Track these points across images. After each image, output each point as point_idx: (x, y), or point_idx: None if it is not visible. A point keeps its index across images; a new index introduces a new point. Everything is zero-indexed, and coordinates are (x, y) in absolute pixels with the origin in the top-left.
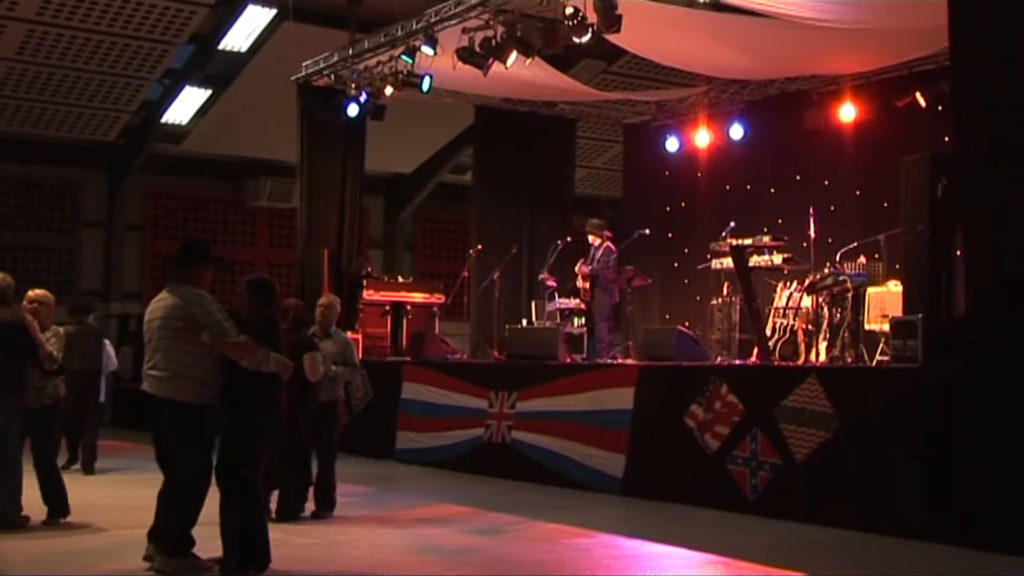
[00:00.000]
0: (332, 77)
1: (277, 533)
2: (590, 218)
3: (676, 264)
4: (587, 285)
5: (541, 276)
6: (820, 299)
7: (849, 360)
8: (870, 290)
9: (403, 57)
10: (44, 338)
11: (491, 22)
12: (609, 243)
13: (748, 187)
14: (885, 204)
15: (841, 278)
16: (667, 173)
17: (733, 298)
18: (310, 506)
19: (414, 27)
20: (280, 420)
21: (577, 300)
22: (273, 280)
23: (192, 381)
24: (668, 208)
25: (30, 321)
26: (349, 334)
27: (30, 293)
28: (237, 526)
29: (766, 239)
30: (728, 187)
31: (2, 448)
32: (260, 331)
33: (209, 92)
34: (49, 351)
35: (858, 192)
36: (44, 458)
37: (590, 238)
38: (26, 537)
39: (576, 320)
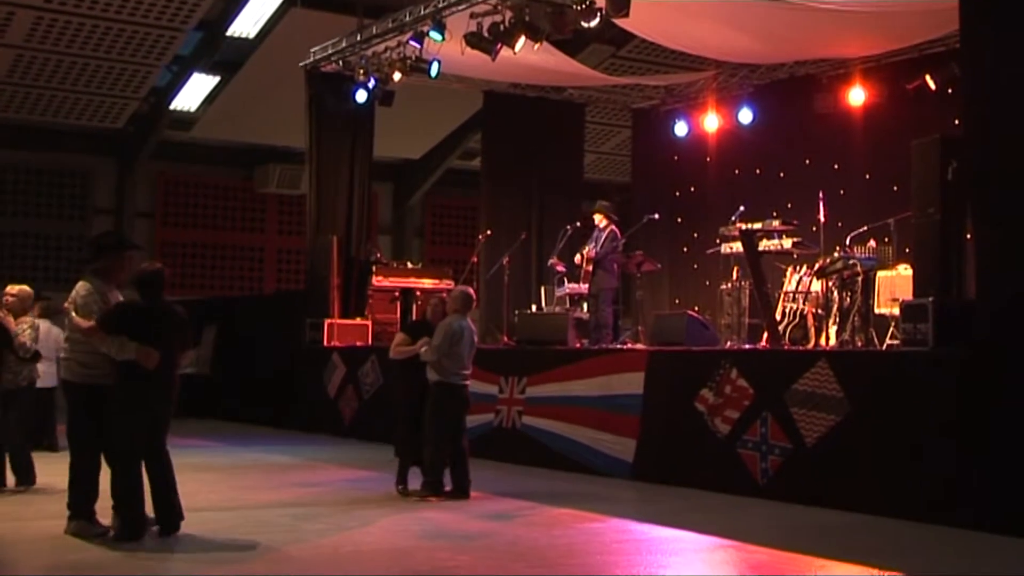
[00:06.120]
0: (340, 63)
1: (287, 519)
2: (599, 200)
3: (685, 249)
4: (589, 268)
5: (550, 261)
6: (830, 283)
7: (859, 344)
8: (880, 274)
9: (411, 42)
10: (20, 329)
11: (499, 7)
12: (614, 227)
13: (757, 171)
14: (895, 187)
15: (851, 262)
16: (676, 158)
17: (743, 282)
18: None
19: (422, 12)
20: (145, 397)
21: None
22: (157, 272)
23: (76, 363)
24: (677, 193)
25: (3, 315)
26: (358, 319)
27: (7, 288)
28: (115, 493)
29: (776, 223)
30: (737, 171)
31: None
32: (122, 320)
33: (217, 79)
34: (23, 341)
35: (868, 175)
36: (20, 434)
37: (596, 218)
38: None
39: (586, 305)
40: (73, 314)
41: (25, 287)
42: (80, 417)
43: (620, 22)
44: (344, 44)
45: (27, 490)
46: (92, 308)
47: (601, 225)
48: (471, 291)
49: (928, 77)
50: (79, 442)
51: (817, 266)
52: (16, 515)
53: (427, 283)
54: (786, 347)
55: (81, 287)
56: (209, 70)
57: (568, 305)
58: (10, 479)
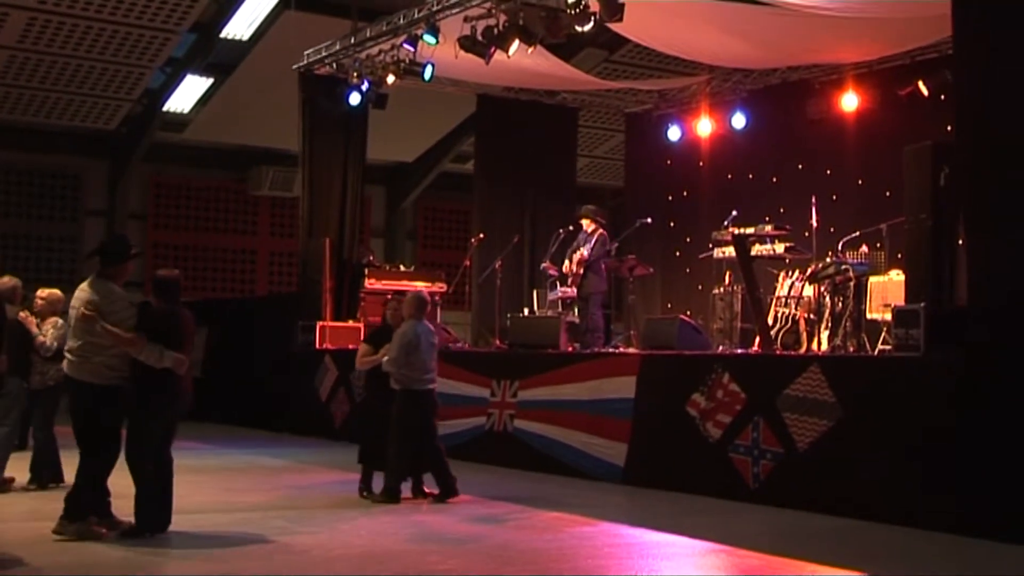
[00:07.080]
0: (334, 66)
1: (278, 521)
2: (586, 204)
3: (678, 253)
4: (580, 271)
5: (543, 265)
6: (822, 288)
7: (851, 349)
8: (872, 279)
9: (405, 45)
10: (43, 329)
11: (493, 10)
12: (602, 230)
13: (750, 176)
14: (887, 193)
15: (843, 267)
16: (669, 162)
17: (735, 287)
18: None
19: (416, 15)
20: (169, 401)
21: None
22: (177, 277)
23: (102, 366)
24: (670, 197)
25: (24, 316)
26: (351, 322)
27: (38, 291)
28: (137, 492)
29: (768, 228)
30: (730, 176)
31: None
32: (155, 327)
33: (211, 81)
34: (42, 341)
35: (860, 181)
36: (46, 432)
37: (584, 222)
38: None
39: (577, 308)
40: (103, 321)
41: (55, 291)
42: (94, 418)
43: (614, 26)
44: (338, 47)
45: (39, 489)
46: (124, 315)
47: (589, 230)
48: (425, 294)
49: (921, 83)
50: (92, 443)
51: (809, 271)
52: (9, 516)
53: (419, 286)
54: (778, 352)
55: (97, 292)
56: (202, 72)
57: (560, 309)
58: (23, 475)
